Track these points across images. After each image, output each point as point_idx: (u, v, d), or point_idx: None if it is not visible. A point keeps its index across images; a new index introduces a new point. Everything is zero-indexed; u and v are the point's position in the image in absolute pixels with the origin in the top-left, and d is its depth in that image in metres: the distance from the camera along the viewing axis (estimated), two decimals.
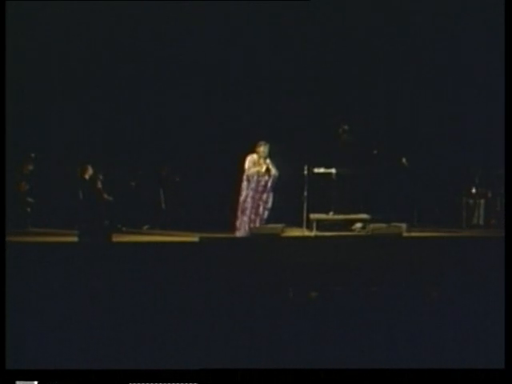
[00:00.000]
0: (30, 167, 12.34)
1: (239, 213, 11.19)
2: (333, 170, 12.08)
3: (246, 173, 11.18)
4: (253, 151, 11.24)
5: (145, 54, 13.25)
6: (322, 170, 12.02)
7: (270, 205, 11.25)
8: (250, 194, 11.17)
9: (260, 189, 11.21)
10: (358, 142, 12.29)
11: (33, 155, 12.43)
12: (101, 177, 12.51)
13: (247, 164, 11.18)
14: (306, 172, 11.59)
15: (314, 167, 11.85)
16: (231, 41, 13.20)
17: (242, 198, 11.19)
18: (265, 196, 11.23)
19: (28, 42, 12.81)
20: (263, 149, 11.18)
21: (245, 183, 11.20)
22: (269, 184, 11.22)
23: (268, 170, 11.18)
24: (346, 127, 12.31)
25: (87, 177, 12.51)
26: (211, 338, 5.13)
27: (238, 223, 11.18)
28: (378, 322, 5.24)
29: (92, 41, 13.08)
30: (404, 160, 12.49)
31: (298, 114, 13.27)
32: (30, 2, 12.58)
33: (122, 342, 5.11)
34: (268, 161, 11.21)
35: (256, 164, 11.20)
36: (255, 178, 11.17)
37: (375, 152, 12.33)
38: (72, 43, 13.02)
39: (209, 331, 5.18)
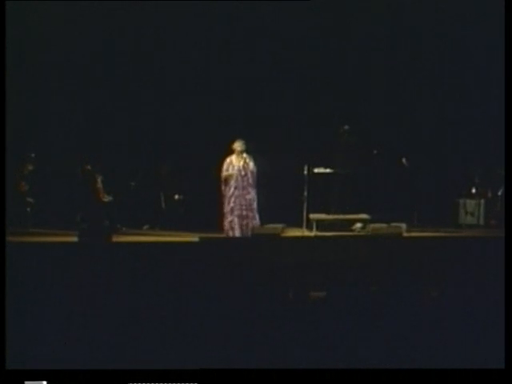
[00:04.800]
0: (30, 167, 12.34)
1: (227, 214, 11.28)
2: (333, 170, 12.09)
3: (223, 175, 11.28)
4: (231, 152, 11.31)
5: (144, 54, 13.26)
6: (322, 170, 12.02)
7: (256, 200, 11.31)
8: (235, 192, 11.25)
9: (243, 185, 11.26)
10: (358, 142, 12.29)
11: (33, 155, 12.43)
12: (101, 177, 12.51)
13: (224, 167, 11.28)
14: (306, 172, 11.60)
15: (314, 167, 11.86)
16: (231, 41, 13.21)
17: (226, 200, 11.30)
18: (246, 191, 11.27)
19: (28, 42, 12.81)
20: (238, 144, 11.24)
21: (222, 187, 11.28)
22: (250, 180, 11.27)
23: (245, 164, 11.23)
24: (346, 127, 12.32)
25: (87, 177, 12.50)
26: (211, 337, 5.13)
27: (228, 223, 11.27)
28: (377, 321, 5.24)
29: (92, 41, 13.08)
30: (404, 160, 12.48)
31: (299, 113, 13.28)
32: (30, 2, 12.58)
33: (122, 342, 5.11)
34: (245, 155, 11.27)
35: (231, 164, 11.27)
36: (235, 177, 11.23)
37: (375, 152, 12.33)
38: (72, 43, 13.02)
39: (209, 331, 5.18)
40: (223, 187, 11.35)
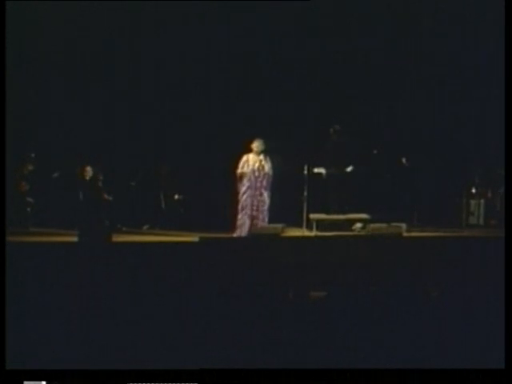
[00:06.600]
0: (30, 167, 12.34)
1: (239, 211, 11.29)
2: (333, 170, 12.08)
3: (237, 172, 11.26)
4: (250, 150, 11.32)
5: (144, 54, 13.26)
6: (322, 170, 12.02)
7: (267, 202, 11.31)
8: (248, 192, 11.25)
9: (256, 185, 11.26)
10: (358, 142, 12.28)
11: (33, 155, 12.43)
12: (101, 177, 12.51)
13: (240, 164, 11.27)
14: (306, 172, 11.59)
15: (314, 167, 11.86)
16: (230, 40, 13.21)
17: (239, 197, 11.27)
18: (259, 192, 11.27)
19: (28, 42, 12.81)
20: (256, 144, 11.25)
21: (238, 184, 11.27)
22: (264, 182, 11.27)
23: (261, 166, 11.23)
24: (336, 127, 12.27)
25: (87, 177, 12.51)
26: (211, 337, 5.13)
27: (238, 221, 11.28)
28: (377, 322, 5.25)
29: (92, 41, 13.08)
30: (404, 160, 12.48)
31: (299, 113, 13.28)
32: (30, 2, 12.58)
33: (122, 342, 5.11)
34: (261, 157, 11.27)
35: (247, 162, 11.27)
36: (249, 176, 11.23)
37: (375, 152, 12.33)
38: (72, 43, 13.03)
39: (209, 331, 5.18)
40: (238, 184, 11.35)
